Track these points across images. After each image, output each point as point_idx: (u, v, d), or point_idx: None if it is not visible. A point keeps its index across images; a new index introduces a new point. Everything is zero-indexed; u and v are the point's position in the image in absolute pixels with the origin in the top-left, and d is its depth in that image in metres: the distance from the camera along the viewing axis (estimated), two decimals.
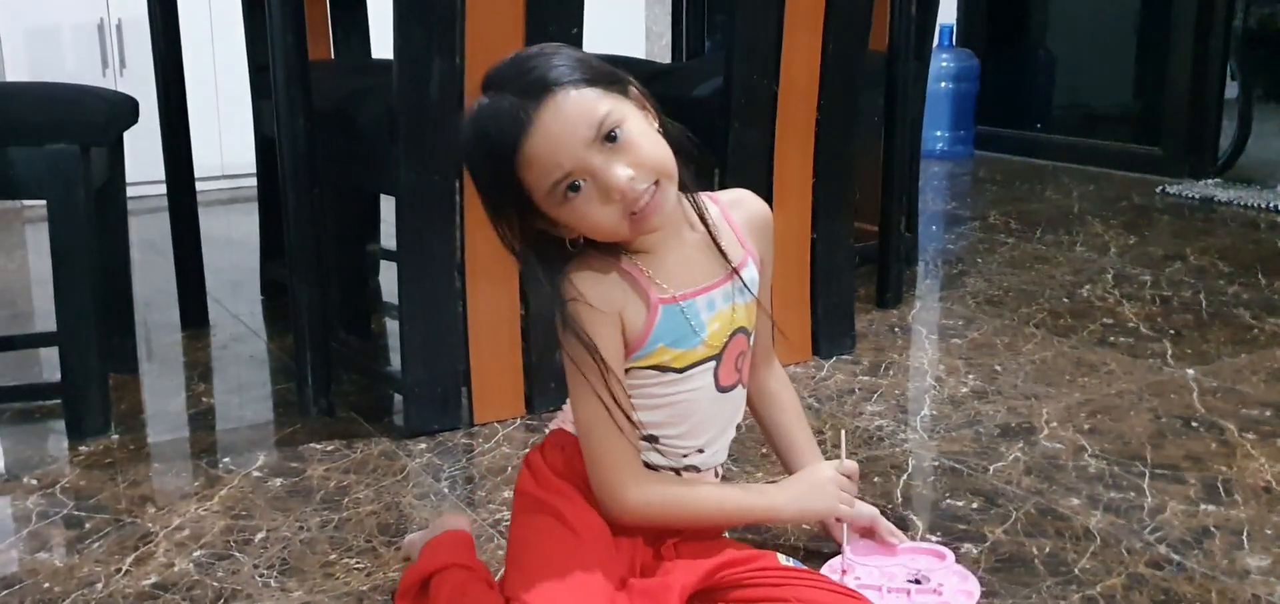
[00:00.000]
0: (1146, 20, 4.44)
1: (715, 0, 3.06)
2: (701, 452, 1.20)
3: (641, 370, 1.12)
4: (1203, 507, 1.50)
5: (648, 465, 1.18)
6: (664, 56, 4.25)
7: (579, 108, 1.02)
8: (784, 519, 1.26)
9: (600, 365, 1.08)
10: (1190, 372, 2.04)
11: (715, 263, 1.16)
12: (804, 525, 1.40)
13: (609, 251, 1.11)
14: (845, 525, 1.26)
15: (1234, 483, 1.57)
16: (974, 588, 1.25)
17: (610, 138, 1.03)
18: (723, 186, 2.02)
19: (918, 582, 1.24)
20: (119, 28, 3.80)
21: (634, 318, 1.10)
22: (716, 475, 1.26)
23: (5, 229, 3.50)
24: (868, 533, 1.31)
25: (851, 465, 1.25)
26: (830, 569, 1.24)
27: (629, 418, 1.11)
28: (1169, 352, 2.15)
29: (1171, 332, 2.28)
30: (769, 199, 2.04)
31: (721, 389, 1.18)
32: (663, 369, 1.13)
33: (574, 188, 1.03)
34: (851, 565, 1.25)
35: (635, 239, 1.09)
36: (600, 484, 1.13)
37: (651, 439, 1.16)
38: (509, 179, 1.04)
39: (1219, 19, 4.05)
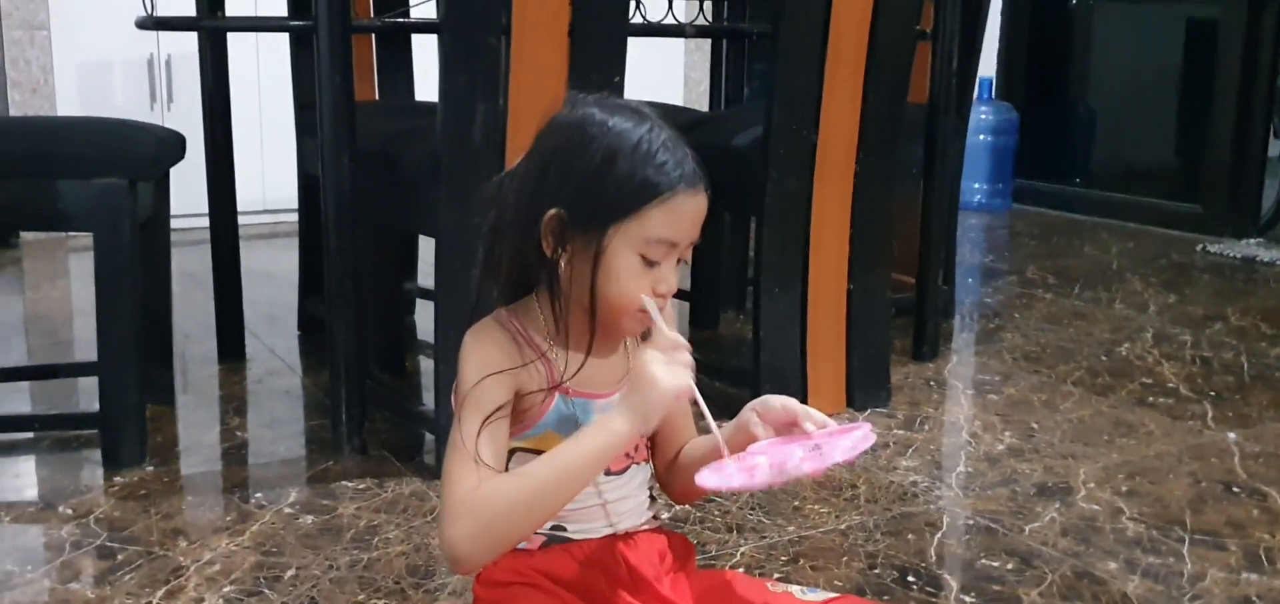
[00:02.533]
0: (1188, 77, 4.41)
1: (754, 49, 3.08)
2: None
3: (525, 451, 1.09)
4: (1245, 575, 1.47)
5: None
6: (702, 104, 4.27)
7: (703, 214, 1.06)
8: (632, 436, 1.02)
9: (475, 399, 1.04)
10: (1231, 435, 2.01)
11: (624, 369, 1.13)
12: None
13: (537, 324, 1.09)
14: (761, 424, 1.09)
15: (1277, 552, 1.54)
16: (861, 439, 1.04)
17: (680, 259, 1.06)
18: (759, 235, 2.02)
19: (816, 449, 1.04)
20: (168, 63, 3.87)
21: (533, 394, 1.08)
22: (653, 516, 1.18)
23: (49, 258, 3.55)
24: (787, 429, 1.09)
25: (674, 336, 1.03)
26: (716, 471, 1.03)
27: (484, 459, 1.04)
28: (1209, 414, 2.12)
29: (1212, 393, 2.25)
30: (806, 248, 2.04)
31: (609, 473, 1.13)
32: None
33: (653, 262, 1.03)
34: (748, 455, 1.04)
35: (606, 335, 1.07)
36: (439, 528, 1.07)
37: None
38: (636, 197, 1.02)
39: (1262, 76, 4.02)
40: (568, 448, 1.03)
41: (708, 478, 1.02)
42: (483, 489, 1.02)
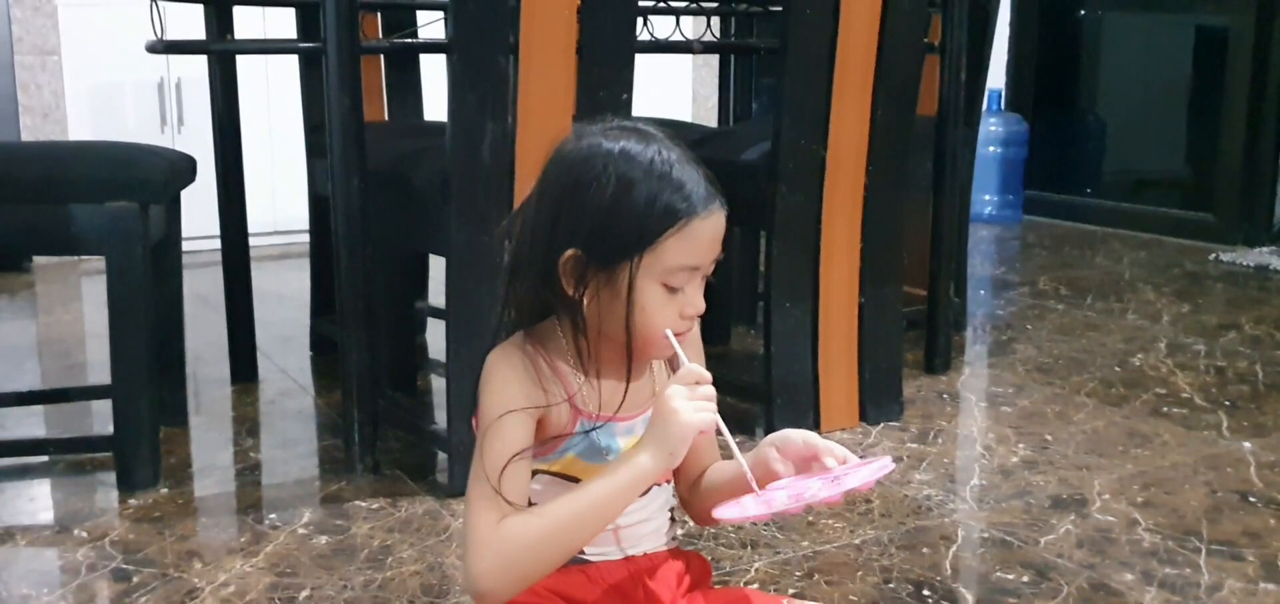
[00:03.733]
0: (1198, 85, 4.40)
1: (762, 64, 3.08)
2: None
3: (549, 474, 1.10)
4: (1263, 585, 1.46)
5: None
6: (710, 120, 4.27)
7: (722, 230, 1.06)
8: (657, 471, 1.03)
9: (499, 430, 1.05)
10: (1247, 444, 1.99)
11: (647, 392, 1.13)
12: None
13: (559, 349, 1.09)
14: (780, 460, 1.08)
15: None
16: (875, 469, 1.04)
17: (704, 277, 1.07)
18: (769, 250, 2.02)
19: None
20: (178, 86, 3.89)
21: (557, 419, 1.08)
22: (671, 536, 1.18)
23: (62, 281, 3.57)
24: (806, 464, 1.08)
25: (697, 370, 1.04)
26: (735, 505, 1.04)
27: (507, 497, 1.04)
28: (1224, 423, 2.11)
29: (1227, 403, 2.24)
30: (816, 262, 2.04)
31: None
32: (570, 477, 1.09)
33: (676, 288, 1.04)
34: (768, 490, 1.05)
35: (636, 356, 1.07)
36: (463, 562, 1.07)
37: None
38: (651, 231, 1.01)
39: (1273, 83, 4.01)
40: (593, 485, 1.04)
41: (726, 511, 1.03)
42: (506, 527, 1.02)
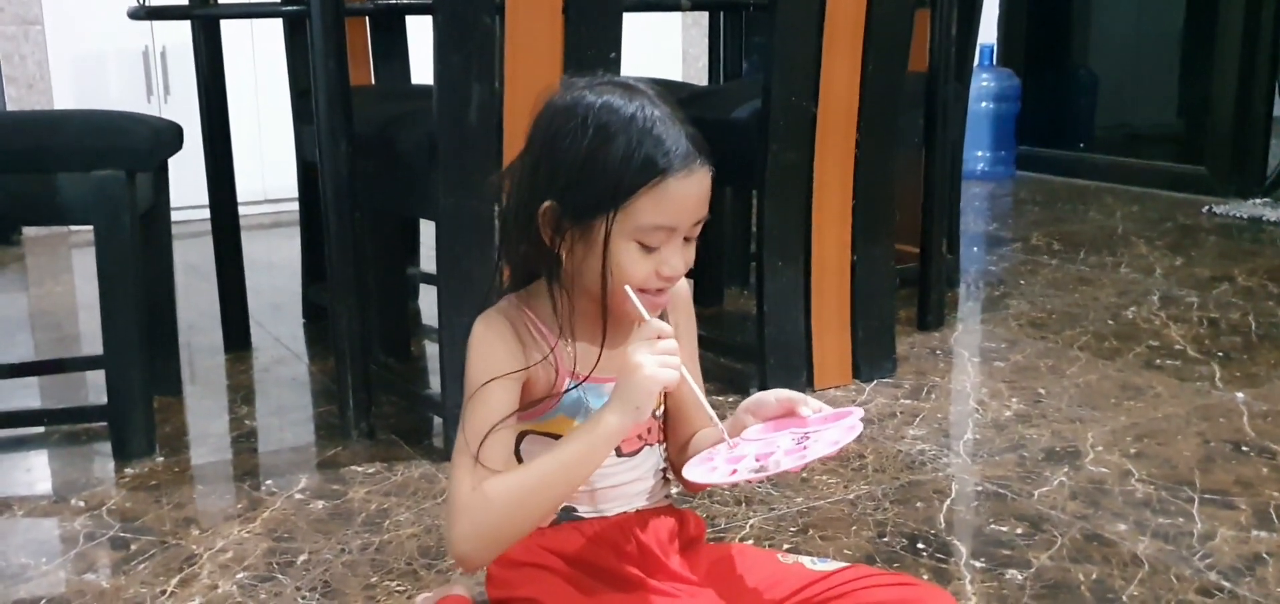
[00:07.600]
0: (1191, 37, 4.39)
1: (753, 22, 3.06)
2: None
3: (539, 435, 1.10)
4: (1254, 533, 1.47)
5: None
6: (700, 79, 4.25)
7: (705, 192, 1.04)
8: (623, 428, 1.03)
9: (484, 395, 1.05)
10: (1239, 395, 2.00)
11: None
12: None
13: (547, 310, 1.08)
14: (756, 423, 1.09)
15: None
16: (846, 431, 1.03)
17: (688, 239, 1.05)
18: (761, 209, 2.02)
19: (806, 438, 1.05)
20: (163, 55, 3.86)
21: (543, 383, 1.08)
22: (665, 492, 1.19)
23: (52, 254, 3.56)
24: (781, 419, 1.09)
25: (658, 324, 1.03)
26: (704, 462, 1.06)
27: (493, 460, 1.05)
28: (1217, 374, 2.12)
29: (1219, 354, 2.24)
30: (808, 221, 2.03)
31: (620, 454, 1.13)
32: (557, 437, 1.09)
33: (650, 248, 1.02)
34: (738, 443, 1.07)
35: (615, 314, 1.06)
36: (445, 528, 1.08)
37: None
38: (624, 187, 1.00)
39: (1266, 36, 4.00)
40: (562, 448, 1.04)
41: (694, 471, 1.04)
42: (481, 490, 1.03)
